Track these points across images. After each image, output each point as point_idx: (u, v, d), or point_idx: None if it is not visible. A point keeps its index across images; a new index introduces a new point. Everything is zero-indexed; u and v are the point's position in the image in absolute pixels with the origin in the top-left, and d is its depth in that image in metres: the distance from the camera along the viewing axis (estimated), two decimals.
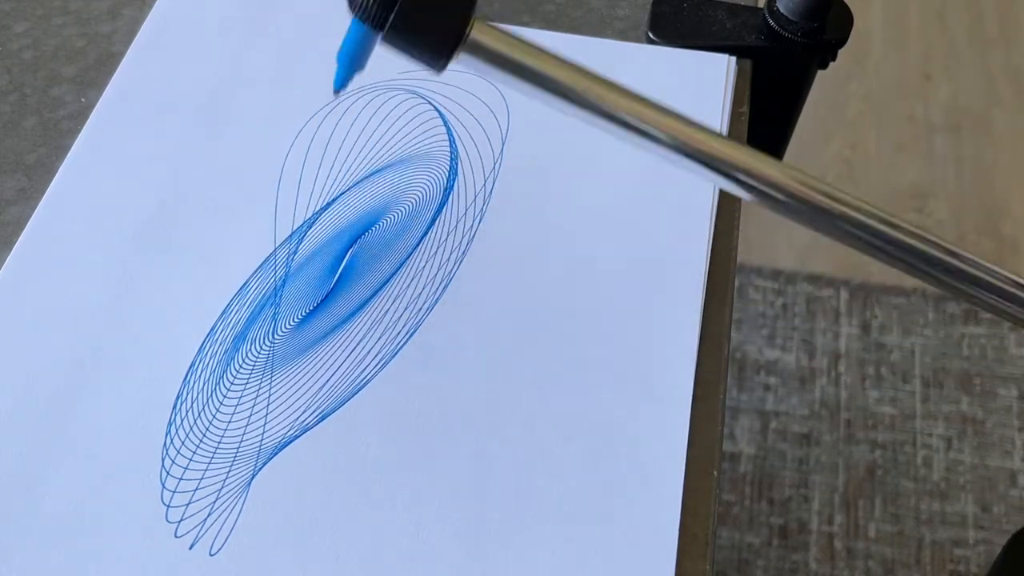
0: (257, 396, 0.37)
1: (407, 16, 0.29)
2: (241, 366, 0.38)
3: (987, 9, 1.50)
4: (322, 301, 0.40)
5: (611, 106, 0.31)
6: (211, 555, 0.34)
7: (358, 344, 0.38)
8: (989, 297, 0.33)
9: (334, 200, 0.42)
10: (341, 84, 0.34)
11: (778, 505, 1.07)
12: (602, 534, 0.35)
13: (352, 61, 0.33)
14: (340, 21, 0.48)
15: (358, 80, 0.46)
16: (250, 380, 0.38)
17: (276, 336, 0.39)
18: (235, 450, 0.36)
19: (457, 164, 0.44)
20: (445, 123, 0.45)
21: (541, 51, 0.30)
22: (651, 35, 0.48)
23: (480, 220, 0.42)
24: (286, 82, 0.46)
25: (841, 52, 0.48)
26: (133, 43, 0.47)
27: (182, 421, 0.36)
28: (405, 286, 0.40)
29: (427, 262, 0.41)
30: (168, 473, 0.35)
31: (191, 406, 0.37)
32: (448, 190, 0.43)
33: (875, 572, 1.04)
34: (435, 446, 0.36)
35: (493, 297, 0.40)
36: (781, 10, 0.47)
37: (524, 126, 0.45)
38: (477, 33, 0.29)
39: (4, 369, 0.37)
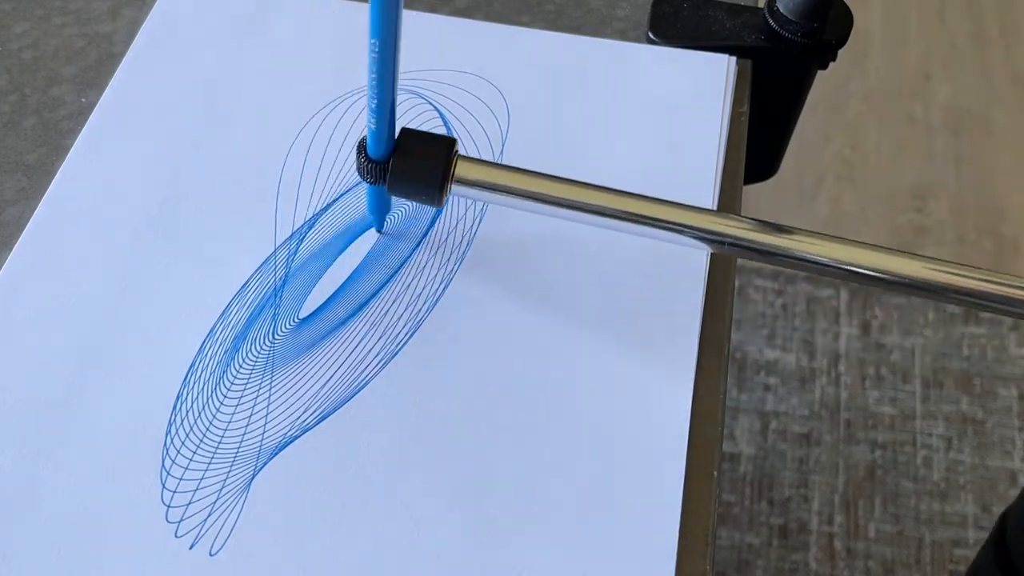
0: (257, 396, 0.37)
1: (399, 176, 0.37)
2: (241, 366, 0.38)
3: (987, 9, 1.50)
4: (323, 301, 0.40)
5: (586, 202, 0.37)
6: (211, 555, 0.34)
7: (358, 344, 0.38)
8: None
9: (335, 200, 0.42)
10: (380, 226, 0.41)
11: (778, 505, 1.07)
12: (602, 534, 0.35)
13: (378, 210, 0.41)
14: (340, 22, 0.48)
15: (358, 80, 0.46)
16: (250, 380, 0.38)
17: (276, 336, 0.39)
18: (235, 450, 0.36)
19: None
20: (445, 123, 0.45)
21: (515, 170, 0.38)
22: (651, 35, 0.48)
23: (480, 220, 0.42)
24: (286, 82, 0.46)
25: (841, 52, 0.48)
26: (133, 43, 0.47)
27: (182, 421, 0.36)
28: (405, 286, 0.40)
29: (427, 262, 0.41)
30: (168, 473, 0.35)
31: (191, 406, 0.37)
32: None
33: (875, 572, 1.04)
34: (435, 446, 0.36)
35: (493, 297, 0.40)
36: (781, 10, 0.47)
37: (524, 126, 0.45)
38: (461, 171, 0.37)
39: (4, 368, 0.37)
